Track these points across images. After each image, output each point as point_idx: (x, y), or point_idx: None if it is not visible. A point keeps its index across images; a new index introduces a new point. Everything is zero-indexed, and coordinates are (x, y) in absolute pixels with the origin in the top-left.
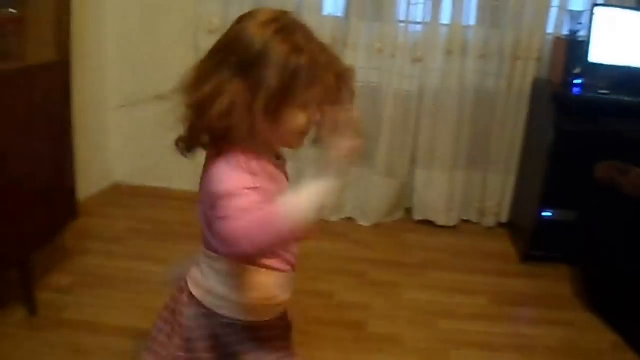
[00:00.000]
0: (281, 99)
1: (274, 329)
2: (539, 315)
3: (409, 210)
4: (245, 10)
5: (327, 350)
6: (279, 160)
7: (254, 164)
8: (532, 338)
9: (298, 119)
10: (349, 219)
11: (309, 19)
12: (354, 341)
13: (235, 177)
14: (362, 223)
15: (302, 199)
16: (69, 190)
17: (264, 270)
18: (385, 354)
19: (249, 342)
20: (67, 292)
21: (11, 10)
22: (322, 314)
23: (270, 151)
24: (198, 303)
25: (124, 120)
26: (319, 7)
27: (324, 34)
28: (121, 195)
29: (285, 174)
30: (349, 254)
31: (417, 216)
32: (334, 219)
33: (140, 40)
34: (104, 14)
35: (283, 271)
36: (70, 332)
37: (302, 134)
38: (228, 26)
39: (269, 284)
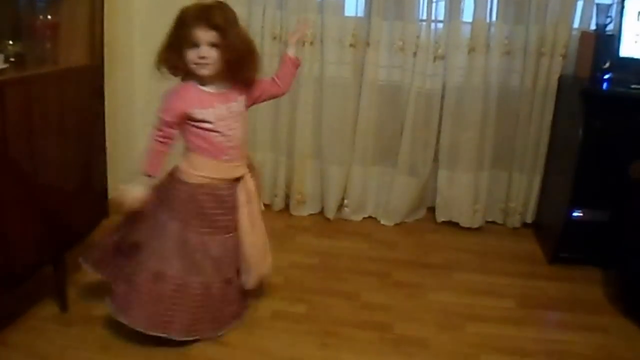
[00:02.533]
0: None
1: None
2: (571, 320)
3: (431, 210)
4: (269, 9)
5: (353, 352)
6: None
7: (188, 92)
8: (565, 344)
9: (189, 55)
10: (371, 218)
11: (331, 20)
12: (380, 343)
13: (164, 101)
14: (384, 222)
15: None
16: (101, 191)
17: (200, 157)
18: (412, 357)
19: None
20: (98, 288)
21: (47, 16)
22: (347, 315)
23: (197, 79)
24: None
25: (151, 123)
26: (341, 7)
27: (346, 34)
28: None
29: (224, 96)
30: (372, 253)
31: (440, 217)
32: (356, 218)
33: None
34: (133, 20)
35: (216, 160)
36: (100, 328)
37: (196, 65)
38: (252, 28)
39: (206, 166)
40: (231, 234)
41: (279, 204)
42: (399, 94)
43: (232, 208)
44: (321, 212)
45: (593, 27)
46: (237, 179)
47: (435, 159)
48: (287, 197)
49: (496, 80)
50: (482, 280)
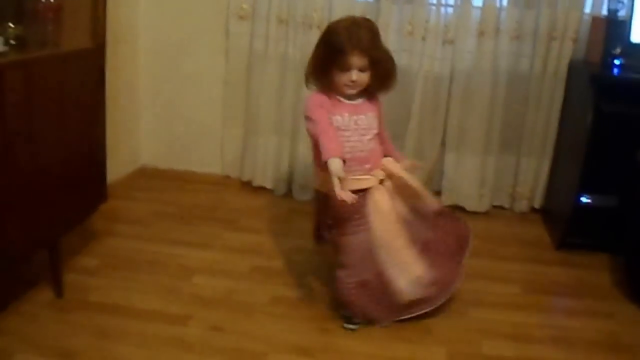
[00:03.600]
0: (325, 63)
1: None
2: (577, 306)
3: (437, 194)
4: None
5: (353, 338)
6: (348, 99)
7: (324, 98)
8: (570, 330)
9: (339, 77)
10: None
11: (340, 3)
12: (381, 329)
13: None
14: None
15: (327, 148)
16: (100, 175)
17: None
18: (414, 344)
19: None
20: (94, 274)
21: None
22: None
23: (338, 93)
24: None
25: (152, 106)
26: None
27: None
28: (148, 178)
29: (355, 107)
30: None
31: (447, 201)
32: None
33: (172, 26)
34: (137, 1)
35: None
36: (96, 314)
37: (346, 86)
38: (258, 12)
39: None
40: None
41: (281, 188)
42: (407, 78)
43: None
44: None
45: (605, 12)
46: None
47: (443, 143)
48: (290, 181)
49: (505, 64)
50: (488, 265)
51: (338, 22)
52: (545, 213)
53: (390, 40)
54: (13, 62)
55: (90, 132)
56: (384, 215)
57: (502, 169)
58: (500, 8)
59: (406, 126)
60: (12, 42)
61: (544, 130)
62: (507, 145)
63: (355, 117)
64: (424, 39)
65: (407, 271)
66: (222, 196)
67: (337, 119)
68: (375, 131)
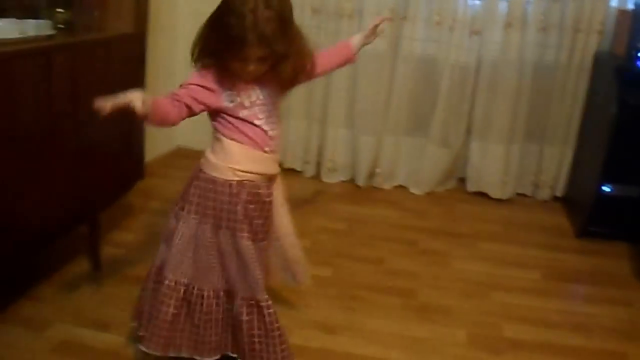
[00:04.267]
0: (218, 47)
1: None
2: (596, 294)
3: (461, 181)
4: None
5: (376, 317)
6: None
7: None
8: (589, 316)
9: (232, 63)
10: (402, 187)
11: None
12: (404, 309)
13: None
14: (414, 191)
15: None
16: (138, 154)
17: (232, 142)
18: (435, 324)
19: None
20: (130, 248)
21: None
22: (371, 280)
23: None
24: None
25: None
26: None
27: (384, 7)
28: (182, 158)
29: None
30: (400, 221)
31: (471, 187)
32: (387, 186)
33: (208, 13)
34: None
35: (263, 150)
36: (131, 287)
37: (239, 74)
38: (293, 0)
39: (237, 154)
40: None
41: (310, 170)
42: (434, 68)
43: (269, 211)
44: (352, 180)
45: (631, 5)
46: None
47: (468, 131)
48: (319, 164)
49: (531, 55)
50: (509, 251)
51: (241, 3)
52: (567, 201)
53: (418, 30)
54: (61, 45)
55: (130, 114)
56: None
57: (525, 158)
58: (527, 0)
59: (432, 114)
60: (61, 26)
61: (568, 120)
62: (531, 135)
63: (258, 91)
64: (451, 29)
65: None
66: None
67: (250, 96)
68: (276, 109)
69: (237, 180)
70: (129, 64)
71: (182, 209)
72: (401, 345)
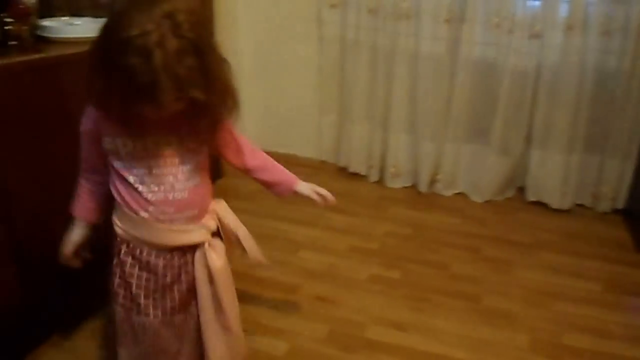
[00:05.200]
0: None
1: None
2: None
3: (520, 190)
4: None
5: (442, 318)
6: None
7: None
8: None
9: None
10: (462, 194)
11: None
12: (469, 312)
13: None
14: (474, 199)
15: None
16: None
17: (121, 208)
18: (498, 328)
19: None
20: None
21: None
22: (438, 284)
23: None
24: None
25: (254, 94)
26: None
27: (441, 9)
28: None
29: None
30: (462, 228)
31: (530, 197)
32: (447, 193)
33: (266, 16)
34: None
35: (138, 214)
36: None
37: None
38: (349, 1)
39: (124, 220)
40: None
41: (374, 175)
42: (493, 72)
43: (171, 285)
44: (414, 186)
45: None
46: (191, 247)
47: (528, 139)
48: (382, 169)
49: (593, 60)
50: (569, 261)
51: (143, 35)
52: (629, 214)
53: (476, 33)
54: None
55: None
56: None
57: (586, 167)
58: (589, 2)
59: (491, 121)
60: None
61: (631, 130)
62: (592, 144)
63: (159, 139)
64: (510, 32)
65: None
66: (321, 180)
67: (126, 144)
68: (199, 159)
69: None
70: None
71: None
72: (466, 346)
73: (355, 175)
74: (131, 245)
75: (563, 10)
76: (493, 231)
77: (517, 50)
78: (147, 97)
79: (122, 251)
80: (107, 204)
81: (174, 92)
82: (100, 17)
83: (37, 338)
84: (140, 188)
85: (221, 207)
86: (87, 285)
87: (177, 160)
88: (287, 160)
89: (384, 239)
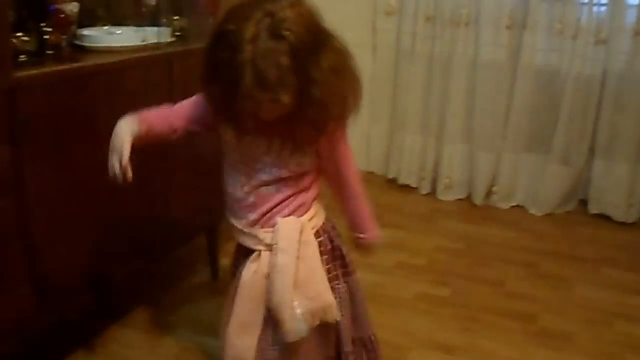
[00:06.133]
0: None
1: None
2: None
3: (582, 202)
4: None
5: (494, 340)
6: None
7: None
8: None
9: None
10: (519, 206)
11: (487, 1)
12: (523, 333)
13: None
14: (532, 212)
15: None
16: None
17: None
18: (555, 351)
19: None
20: None
21: None
22: (491, 302)
23: None
24: None
25: None
26: None
27: (502, 15)
28: None
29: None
30: (519, 242)
31: (593, 209)
32: (504, 205)
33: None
34: None
35: (237, 221)
36: None
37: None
38: (405, 8)
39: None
40: None
41: (426, 187)
42: (555, 79)
43: None
44: (468, 198)
45: None
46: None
47: (591, 148)
48: (435, 180)
49: None
50: (634, 278)
51: (238, 30)
52: None
53: (538, 39)
54: (179, 52)
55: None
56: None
57: None
58: None
59: (552, 130)
60: (177, 33)
61: None
62: None
63: (250, 138)
64: (574, 38)
65: None
66: (368, 192)
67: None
68: (284, 171)
69: None
70: None
71: None
72: None
73: (405, 187)
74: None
75: (630, 15)
76: (552, 246)
77: (581, 56)
78: (233, 93)
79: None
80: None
81: (257, 91)
82: (143, 26)
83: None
84: (229, 181)
85: (288, 226)
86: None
87: (268, 163)
88: None
89: (433, 254)
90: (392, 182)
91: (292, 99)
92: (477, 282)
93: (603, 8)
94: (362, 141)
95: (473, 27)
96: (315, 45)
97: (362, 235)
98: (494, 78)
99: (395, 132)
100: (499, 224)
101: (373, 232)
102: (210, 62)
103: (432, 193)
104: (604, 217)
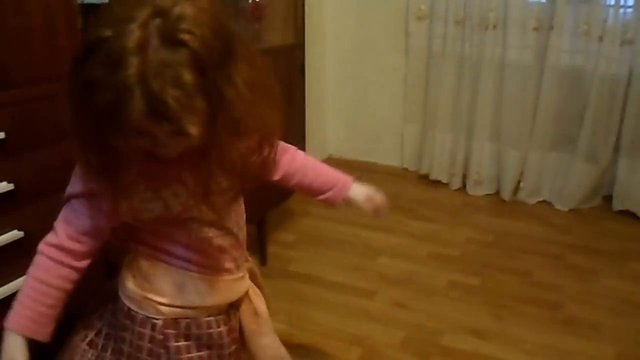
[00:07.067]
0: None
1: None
2: None
3: (607, 199)
4: None
5: (523, 326)
6: None
7: None
8: None
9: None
10: (546, 202)
11: (514, 3)
12: (550, 321)
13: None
14: (558, 207)
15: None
16: None
17: (152, 260)
18: (581, 338)
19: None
20: (292, 247)
21: None
22: (519, 292)
23: None
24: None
25: (339, 101)
26: None
27: (529, 17)
28: (335, 166)
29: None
30: (545, 236)
31: (617, 206)
32: (531, 201)
33: (354, 27)
34: (324, 2)
35: (178, 268)
36: (294, 282)
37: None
38: (435, 12)
39: (156, 276)
40: None
41: (456, 182)
42: (581, 79)
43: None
44: (497, 193)
45: None
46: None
47: (616, 147)
48: (465, 176)
49: None
50: None
51: (116, 36)
52: None
53: (565, 40)
54: None
55: (292, 123)
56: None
57: None
58: None
59: (579, 130)
60: None
61: None
62: None
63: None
64: (600, 39)
65: None
66: (402, 187)
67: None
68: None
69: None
70: (292, 73)
71: None
72: (547, 355)
73: (437, 183)
74: (182, 323)
75: None
76: (577, 240)
77: (607, 57)
78: (113, 128)
79: (170, 336)
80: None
81: (151, 122)
82: None
83: None
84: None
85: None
86: None
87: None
88: (368, 168)
89: (464, 246)
90: (424, 178)
91: (202, 129)
92: (506, 272)
93: (629, 10)
94: (396, 140)
95: (501, 29)
96: (226, 54)
97: (338, 188)
98: (521, 78)
99: (427, 130)
100: (527, 218)
101: (343, 179)
102: (76, 85)
103: (463, 188)
104: (629, 214)
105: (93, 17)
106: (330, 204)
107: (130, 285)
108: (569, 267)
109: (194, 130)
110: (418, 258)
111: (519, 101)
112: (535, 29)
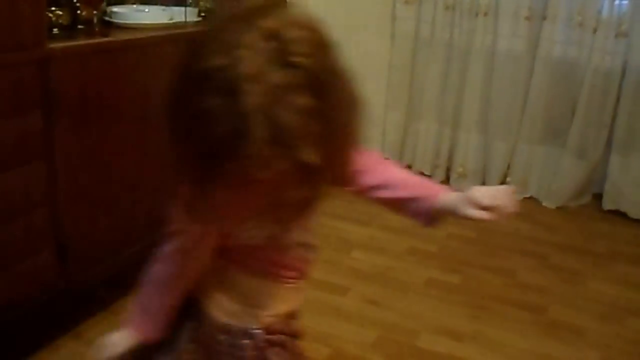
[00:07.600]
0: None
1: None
2: None
3: (596, 197)
4: None
5: (503, 329)
6: None
7: None
8: None
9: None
10: (533, 198)
11: None
12: (532, 324)
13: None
14: (545, 204)
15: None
16: None
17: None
18: (564, 344)
19: None
20: None
21: None
22: (501, 292)
23: None
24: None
25: None
26: None
27: (521, 6)
28: None
29: None
30: (530, 234)
31: (607, 205)
32: (517, 197)
33: (338, 9)
34: None
35: (271, 280)
36: None
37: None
38: None
39: (252, 290)
40: None
41: (439, 175)
42: (574, 72)
43: None
44: None
45: None
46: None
47: (608, 143)
48: (449, 169)
49: None
50: None
51: (231, 65)
52: None
53: (558, 31)
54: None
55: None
56: None
57: None
58: None
59: (569, 123)
60: (203, 14)
61: None
62: None
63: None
64: (595, 31)
65: None
66: None
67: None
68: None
69: None
70: None
71: None
72: None
73: (419, 175)
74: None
75: None
76: (564, 239)
77: (601, 49)
78: (225, 156)
79: (267, 345)
80: None
81: (270, 148)
82: (170, 5)
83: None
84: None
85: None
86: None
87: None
88: None
89: (445, 242)
90: (406, 169)
91: (317, 154)
92: (488, 271)
93: (625, 1)
94: (377, 128)
95: (492, 17)
96: (336, 73)
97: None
98: (512, 68)
99: (411, 119)
100: (512, 214)
101: (439, 189)
102: (185, 117)
103: (446, 181)
104: (619, 213)
105: (188, 47)
106: (419, 217)
107: (225, 302)
108: (555, 267)
109: (310, 157)
110: (395, 253)
111: (508, 92)
112: (528, 18)
